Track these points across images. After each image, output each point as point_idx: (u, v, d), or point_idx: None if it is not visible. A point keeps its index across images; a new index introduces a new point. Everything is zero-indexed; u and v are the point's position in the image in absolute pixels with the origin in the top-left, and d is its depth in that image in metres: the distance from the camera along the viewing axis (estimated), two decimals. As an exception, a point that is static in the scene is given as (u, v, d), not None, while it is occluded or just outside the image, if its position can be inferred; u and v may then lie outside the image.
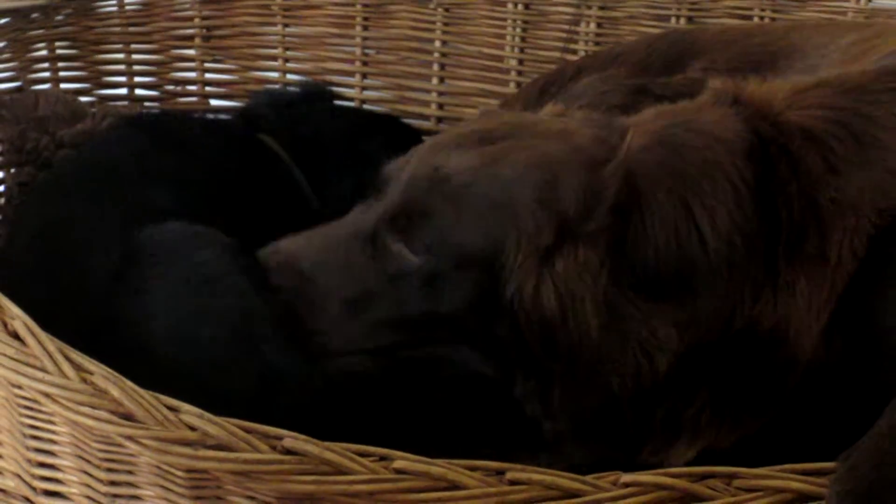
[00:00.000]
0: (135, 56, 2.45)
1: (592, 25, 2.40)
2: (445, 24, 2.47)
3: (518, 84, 2.42)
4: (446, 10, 2.46)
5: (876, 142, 1.44)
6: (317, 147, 2.10)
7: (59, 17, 2.34)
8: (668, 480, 1.25)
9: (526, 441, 1.52)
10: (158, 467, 1.30)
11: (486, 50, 2.46)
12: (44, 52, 2.33)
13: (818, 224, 1.42)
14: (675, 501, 1.25)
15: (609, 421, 1.46)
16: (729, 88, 1.52)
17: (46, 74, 2.34)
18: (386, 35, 2.49)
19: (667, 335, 1.40)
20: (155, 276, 1.58)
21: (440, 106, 2.48)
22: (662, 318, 1.40)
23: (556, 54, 2.41)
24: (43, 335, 1.33)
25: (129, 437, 1.27)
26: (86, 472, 1.37)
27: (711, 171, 1.42)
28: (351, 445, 1.26)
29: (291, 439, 1.25)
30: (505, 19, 2.44)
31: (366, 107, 2.49)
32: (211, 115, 2.42)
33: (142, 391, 1.28)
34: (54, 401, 1.30)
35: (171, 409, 1.27)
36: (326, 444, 1.25)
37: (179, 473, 1.30)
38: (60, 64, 2.35)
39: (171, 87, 2.48)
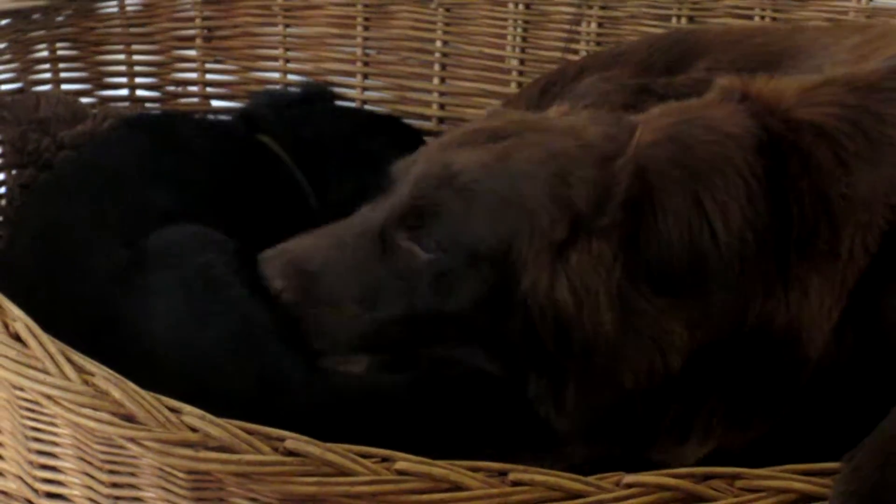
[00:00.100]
0: (136, 57, 2.44)
1: (593, 25, 2.39)
2: (446, 25, 2.47)
3: (519, 84, 2.41)
4: (447, 10, 2.46)
5: (886, 139, 1.44)
6: (318, 148, 2.10)
7: (60, 18, 2.34)
8: (671, 481, 1.25)
9: (528, 441, 1.52)
10: (160, 469, 1.30)
11: (487, 50, 2.46)
12: (45, 53, 2.33)
13: (829, 220, 1.42)
14: (677, 502, 1.25)
15: (620, 420, 1.46)
16: (736, 85, 1.52)
17: (47, 75, 2.33)
18: (387, 35, 2.48)
19: (679, 332, 1.40)
20: (159, 279, 1.58)
21: (441, 106, 2.48)
22: (675, 314, 1.40)
23: (558, 54, 2.40)
24: (44, 337, 1.33)
25: (131, 439, 1.27)
26: (87, 474, 1.37)
27: (722, 166, 1.42)
28: (353, 447, 1.26)
29: (293, 440, 1.25)
30: (506, 19, 2.44)
31: (367, 107, 2.49)
32: (212, 116, 2.42)
33: (143, 392, 1.28)
34: (56, 402, 1.30)
35: (172, 410, 1.27)
36: (328, 445, 1.25)
37: (181, 475, 1.30)
38: (61, 65, 2.35)
39: (171, 88, 2.47)
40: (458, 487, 1.24)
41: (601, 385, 1.43)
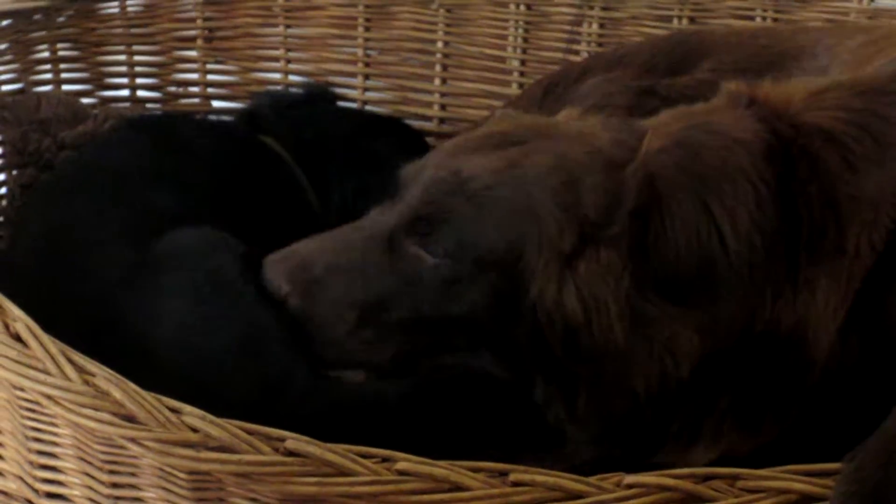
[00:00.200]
0: (137, 57, 2.44)
1: (595, 26, 2.39)
2: (447, 25, 2.47)
3: (520, 85, 2.41)
4: (448, 10, 2.46)
5: (893, 140, 1.44)
6: (319, 148, 2.10)
7: (61, 19, 2.34)
8: (672, 482, 1.25)
9: (529, 442, 1.52)
10: (160, 469, 1.30)
11: (488, 51, 2.46)
12: (46, 54, 2.33)
13: (837, 220, 1.42)
14: (678, 503, 1.25)
15: (631, 426, 1.46)
16: (743, 90, 1.52)
17: (48, 76, 2.33)
18: (388, 36, 2.48)
19: (689, 339, 1.40)
20: (167, 282, 1.58)
21: (442, 107, 2.48)
22: (685, 321, 1.40)
23: (559, 55, 2.40)
24: (45, 337, 1.33)
25: (131, 439, 1.27)
26: (88, 474, 1.37)
27: (731, 172, 1.42)
28: (353, 447, 1.26)
29: (294, 441, 1.25)
30: (507, 20, 2.44)
31: (368, 108, 2.48)
32: (213, 117, 2.42)
33: (144, 393, 1.28)
34: (56, 403, 1.30)
35: (173, 410, 1.27)
36: (329, 445, 1.25)
37: (181, 475, 1.30)
38: (62, 65, 2.35)
39: (173, 89, 2.47)
40: (458, 488, 1.24)
41: (613, 392, 1.43)
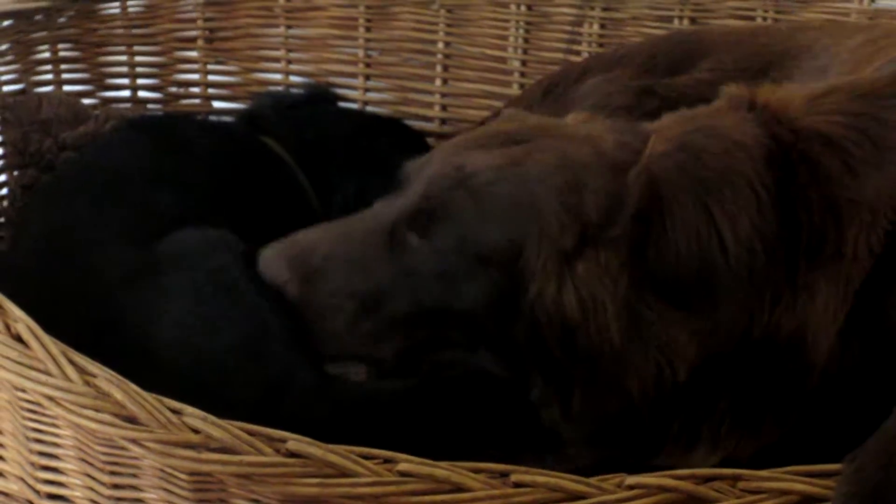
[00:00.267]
0: (137, 58, 2.44)
1: (595, 27, 2.39)
2: (448, 26, 2.47)
3: (521, 85, 2.41)
4: (449, 11, 2.46)
5: (892, 145, 1.44)
6: (320, 149, 2.10)
7: (62, 20, 2.34)
8: (673, 483, 1.25)
9: (531, 443, 1.52)
10: (162, 470, 1.30)
11: (488, 51, 2.46)
12: (46, 55, 2.33)
13: (836, 224, 1.42)
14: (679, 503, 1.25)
15: (626, 427, 1.46)
16: (744, 94, 1.53)
17: (49, 77, 2.33)
18: (389, 37, 2.49)
19: (686, 343, 1.40)
20: (170, 283, 1.58)
21: (443, 107, 2.48)
22: (682, 325, 1.40)
23: (559, 55, 2.40)
24: (46, 338, 1.33)
25: (133, 440, 1.27)
26: (89, 476, 1.37)
27: (732, 176, 1.43)
28: (355, 448, 1.26)
29: (295, 442, 1.25)
30: (508, 20, 2.44)
31: (369, 108, 2.49)
32: (214, 118, 2.42)
33: (145, 394, 1.28)
34: (57, 404, 1.30)
35: (174, 411, 1.27)
36: (330, 446, 1.25)
37: (183, 476, 1.30)
38: (63, 66, 2.35)
39: (173, 90, 2.48)
40: (459, 489, 1.24)
41: (607, 392, 1.43)
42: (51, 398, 1.31)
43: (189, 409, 1.27)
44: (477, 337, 1.49)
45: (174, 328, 1.55)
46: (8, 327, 1.35)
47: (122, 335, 1.56)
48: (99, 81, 2.41)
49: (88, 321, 1.57)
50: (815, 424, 1.44)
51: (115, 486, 1.36)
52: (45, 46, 2.32)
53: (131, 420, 1.27)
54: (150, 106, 2.46)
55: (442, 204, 1.49)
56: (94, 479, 1.37)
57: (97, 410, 1.28)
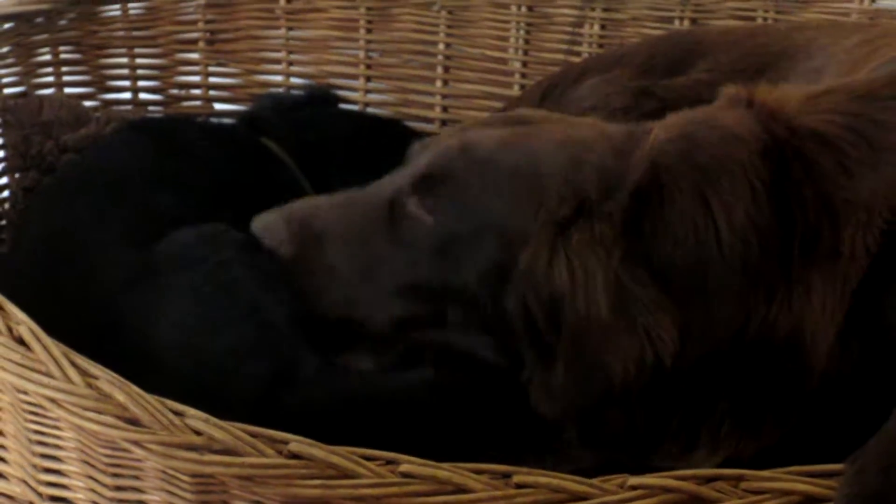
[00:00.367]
0: (139, 60, 2.44)
1: (596, 27, 2.40)
2: (449, 27, 2.47)
3: (522, 86, 2.41)
4: (449, 12, 2.46)
5: (888, 146, 1.44)
6: (320, 151, 2.10)
7: (63, 22, 2.34)
8: (675, 483, 1.25)
9: (531, 444, 1.52)
10: (164, 472, 1.30)
11: (489, 52, 2.46)
12: (47, 57, 2.33)
13: (832, 223, 1.42)
14: (682, 504, 1.25)
15: (620, 422, 1.46)
16: (742, 93, 1.53)
17: (50, 79, 2.33)
18: (389, 38, 2.49)
19: (671, 329, 1.40)
20: (171, 283, 1.58)
21: (444, 109, 2.48)
22: (671, 310, 1.40)
23: (560, 56, 2.41)
24: (48, 340, 1.33)
25: (135, 442, 1.27)
26: (91, 478, 1.37)
27: (730, 167, 1.43)
28: (357, 449, 1.26)
29: (297, 443, 1.25)
30: (508, 22, 2.44)
31: (369, 110, 2.49)
32: (214, 120, 2.42)
33: (147, 396, 1.28)
34: (60, 406, 1.30)
35: (176, 413, 1.27)
36: (332, 447, 1.25)
37: (185, 478, 1.30)
38: (64, 68, 2.35)
39: (174, 92, 2.47)
40: (462, 490, 1.24)
41: (589, 370, 1.42)
42: (53, 400, 1.31)
43: (191, 410, 1.27)
44: (471, 314, 1.50)
45: (174, 329, 1.55)
46: (10, 329, 1.35)
47: (122, 337, 1.56)
48: (100, 84, 2.41)
49: (89, 323, 1.57)
50: (815, 425, 1.44)
51: (118, 488, 1.36)
52: (46, 49, 2.32)
53: (133, 422, 1.27)
54: (151, 108, 2.46)
55: (443, 171, 1.51)
56: (96, 480, 1.37)
57: (99, 412, 1.28)
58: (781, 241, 1.42)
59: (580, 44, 2.40)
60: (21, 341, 1.34)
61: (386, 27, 2.48)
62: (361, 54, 2.49)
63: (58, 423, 1.36)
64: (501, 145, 1.51)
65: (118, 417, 1.28)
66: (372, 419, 1.51)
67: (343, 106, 2.37)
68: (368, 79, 2.50)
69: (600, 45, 2.39)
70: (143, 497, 1.35)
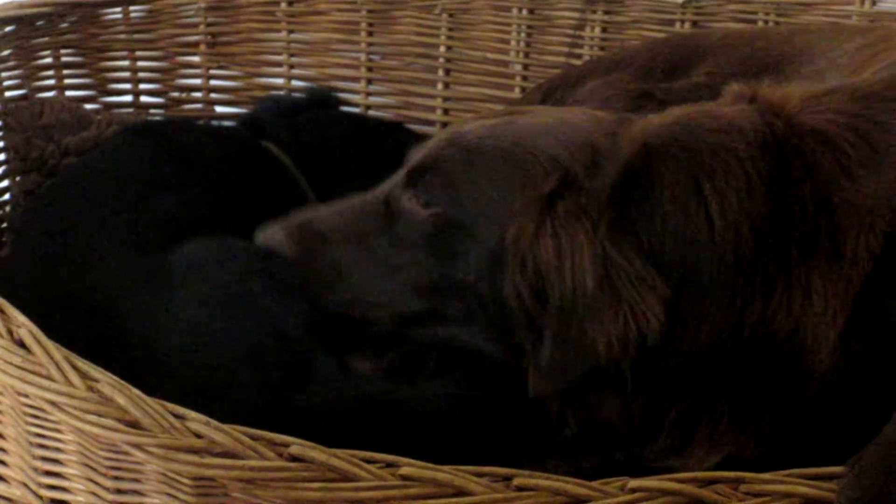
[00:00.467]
0: (140, 63, 2.44)
1: (597, 30, 2.40)
2: (450, 30, 2.47)
3: (523, 89, 2.42)
4: (451, 15, 2.46)
5: (890, 148, 1.44)
6: (322, 153, 2.10)
7: (64, 25, 2.34)
8: (675, 486, 1.25)
9: (531, 446, 1.52)
10: (165, 475, 1.30)
11: (490, 55, 2.46)
12: (49, 60, 2.33)
13: (831, 221, 1.42)
14: (682, 507, 1.25)
15: (615, 408, 1.46)
16: (746, 90, 1.54)
17: (51, 82, 2.33)
18: (391, 41, 2.49)
19: (658, 305, 1.39)
20: (180, 294, 1.58)
21: (445, 111, 2.49)
22: (659, 286, 1.39)
23: (561, 59, 2.41)
24: (49, 343, 1.33)
25: (136, 445, 1.27)
26: (92, 480, 1.37)
27: (725, 155, 1.43)
28: (357, 452, 1.26)
29: (298, 446, 1.25)
30: (509, 24, 2.44)
31: (371, 113, 2.49)
32: (216, 122, 2.42)
33: (148, 399, 1.28)
34: (60, 409, 1.30)
35: (177, 416, 1.27)
36: (333, 450, 1.25)
37: (186, 481, 1.30)
38: (65, 71, 2.35)
39: (175, 95, 2.48)
40: (462, 493, 1.24)
41: (575, 345, 1.41)
42: (53, 403, 1.31)
43: (192, 413, 1.27)
44: (472, 305, 1.51)
45: (183, 336, 1.55)
46: (10, 333, 1.36)
47: (126, 343, 1.56)
48: (101, 86, 2.41)
49: (91, 327, 1.57)
50: (815, 427, 1.44)
51: (118, 491, 1.36)
52: (48, 52, 2.32)
53: (134, 425, 1.27)
54: (152, 111, 2.46)
55: (433, 163, 1.53)
56: (96, 483, 1.37)
57: (100, 415, 1.28)
58: (777, 237, 1.41)
59: (581, 46, 2.40)
60: (22, 344, 1.34)
61: (387, 30, 2.48)
62: (362, 57, 2.50)
63: (58, 426, 1.36)
64: (488, 131, 1.52)
65: (119, 420, 1.28)
66: (382, 426, 1.51)
67: (344, 108, 2.37)
68: (369, 81, 2.51)
69: (601, 48, 2.39)
70: (144, 500, 1.34)
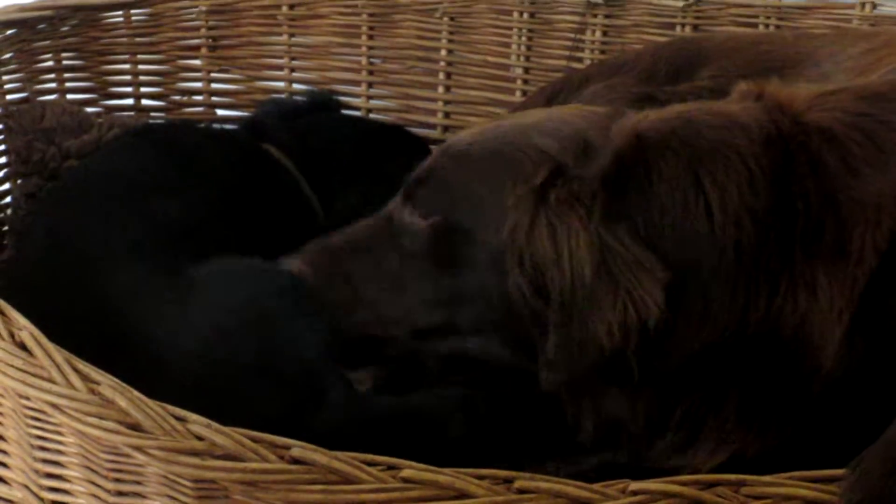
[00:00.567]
0: (141, 66, 2.44)
1: (598, 34, 2.40)
2: (451, 33, 2.47)
3: (524, 92, 2.42)
4: (452, 18, 2.46)
5: (895, 147, 1.44)
6: (323, 157, 2.10)
7: (65, 28, 2.34)
8: (677, 488, 1.25)
9: (532, 449, 1.52)
10: (166, 477, 1.30)
11: (491, 59, 2.46)
12: (50, 63, 2.33)
13: (837, 219, 1.41)
14: (683, 509, 1.25)
15: (623, 403, 1.46)
16: (753, 88, 1.54)
17: (52, 85, 2.33)
18: (392, 44, 2.49)
19: (657, 290, 1.38)
20: (198, 308, 1.58)
21: (446, 115, 2.49)
22: (657, 270, 1.38)
23: (562, 63, 2.41)
24: (50, 346, 1.33)
25: (137, 448, 1.27)
26: (93, 483, 1.37)
27: (726, 150, 1.42)
28: (358, 454, 1.26)
29: (299, 449, 1.25)
30: (510, 28, 2.44)
31: (372, 116, 2.49)
32: (217, 126, 2.42)
33: (149, 401, 1.28)
34: (61, 411, 1.30)
35: (178, 419, 1.27)
36: (334, 453, 1.25)
37: (187, 483, 1.30)
38: (66, 74, 2.35)
39: (177, 98, 2.48)
40: (463, 495, 1.24)
41: (578, 336, 1.40)
42: (55, 406, 1.31)
43: (193, 416, 1.27)
44: (483, 312, 1.51)
45: (196, 345, 1.55)
46: (12, 335, 1.36)
47: (132, 350, 1.55)
48: (102, 90, 2.41)
49: (94, 331, 1.57)
50: (819, 427, 1.44)
51: (119, 494, 1.36)
52: (49, 55, 2.32)
53: (135, 427, 1.27)
54: (153, 114, 2.46)
55: (428, 173, 1.54)
56: (98, 486, 1.37)
57: (101, 418, 1.28)
58: (781, 233, 1.41)
59: (582, 50, 2.40)
60: (23, 347, 1.34)
61: (388, 33, 2.48)
62: (363, 60, 2.50)
63: (59, 429, 1.36)
64: (477, 136, 1.53)
65: (120, 423, 1.28)
66: (398, 443, 1.51)
67: (345, 112, 2.37)
68: (370, 85, 2.51)
69: (602, 52, 2.39)
70: (145, 502, 1.34)
